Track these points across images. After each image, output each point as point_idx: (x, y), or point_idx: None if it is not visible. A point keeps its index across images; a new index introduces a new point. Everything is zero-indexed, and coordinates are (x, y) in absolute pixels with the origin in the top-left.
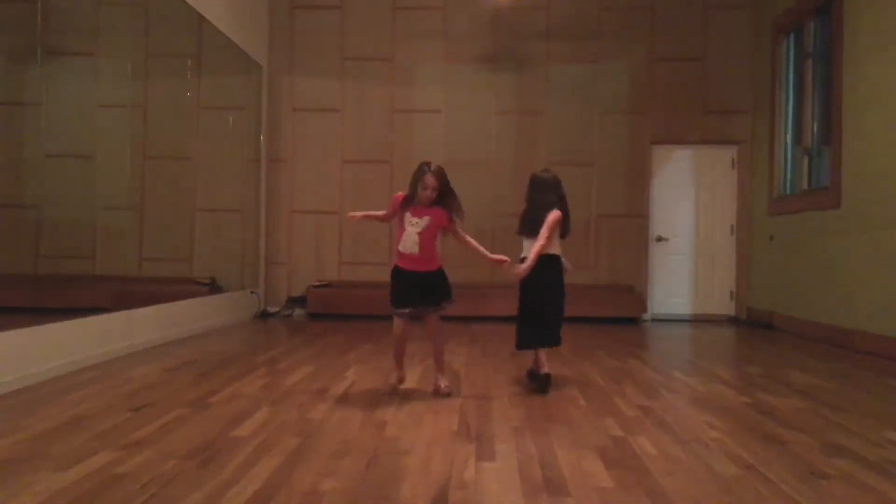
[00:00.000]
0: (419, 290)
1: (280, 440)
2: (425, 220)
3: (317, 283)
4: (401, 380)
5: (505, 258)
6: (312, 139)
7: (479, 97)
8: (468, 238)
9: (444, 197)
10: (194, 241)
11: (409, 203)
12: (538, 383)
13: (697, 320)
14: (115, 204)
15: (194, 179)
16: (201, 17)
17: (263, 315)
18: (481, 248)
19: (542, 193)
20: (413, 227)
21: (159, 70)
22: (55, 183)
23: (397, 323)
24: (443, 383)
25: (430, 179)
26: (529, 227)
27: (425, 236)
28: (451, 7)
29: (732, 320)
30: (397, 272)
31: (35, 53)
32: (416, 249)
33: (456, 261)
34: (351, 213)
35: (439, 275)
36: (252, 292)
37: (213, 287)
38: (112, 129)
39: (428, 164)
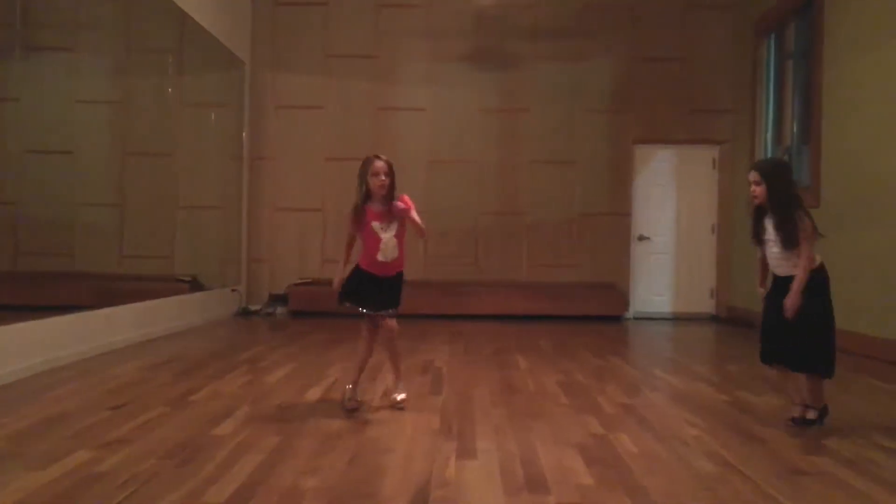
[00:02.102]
0: (376, 291)
1: (261, 439)
2: (394, 223)
3: (299, 281)
4: (353, 398)
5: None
6: (295, 136)
7: (463, 95)
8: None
9: (392, 190)
10: (175, 238)
11: (366, 204)
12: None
13: (679, 318)
14: (95, 200)
15: (176, 176)
16: (183, 13)
17: (245, 313)
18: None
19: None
20: (388, 233)
21: (140, 66)
22: (35, 179)
23: (366, 331)
24: (399, 396)
25: (379, 164)
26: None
27: (400, 237)
28: (436, 5)
29: (713, 319)
30: (362, 273)
31: (14, 49)
32: (396, 253)
33: (438, 259)
34: (335, 289)
35: (399, 277)
36: (234, 290)
37: (195, 284)
38: (92, 126)
39: (375, 155)
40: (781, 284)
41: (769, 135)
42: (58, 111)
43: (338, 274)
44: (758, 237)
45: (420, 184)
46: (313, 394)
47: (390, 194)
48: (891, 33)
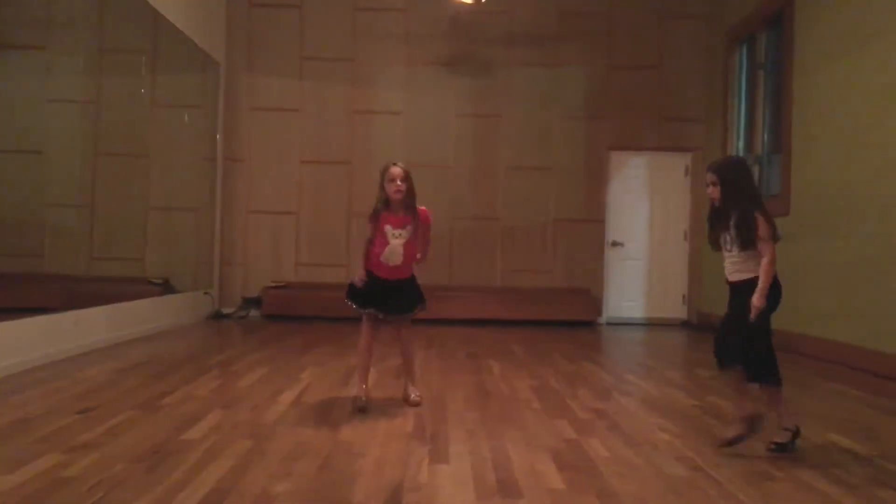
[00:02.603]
0: (390, 294)
1: (232, 443)
2: (408, 229)
3: (273, 285)
4: (366, 397)
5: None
6: (270, 139)
7: (438, 99)
8: (429, 248)
9: (411, 194)
10: (147, 240)
11: (383, 210)
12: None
13: (651, 324)
14: (65, 201)
15: (148, 177)
16: (157, 13)
17: (217, 316)
18: (426, 256)
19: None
20: (397, 238)
21: (113, 66)
22: (3, 179)
23: (365, 327)
24: (413, 393)
25: (396, 170)
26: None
27: (409, 246)
28: (412, 9)
29: (684, 324)
30: (368, 275)
31: None
32: (399, 261)
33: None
34: (358, 279)
35: (412, 280)
36: (206, 293)
37: (167, 287)
38: (63, 125)
39: (392, 161)
40: (734, 291)
41: (741, 143)
42: (28, 110)
43: (360, 271)
44: (715, 240)
45: None
46: (286, 398)
47: (409, 200)
48: (860, 43)
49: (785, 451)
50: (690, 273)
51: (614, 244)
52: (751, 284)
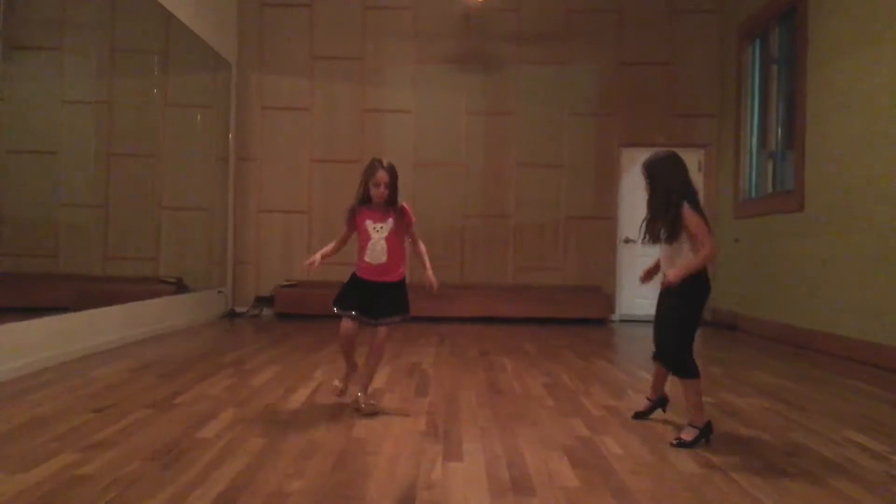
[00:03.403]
0: (373, 298)
1: (245, 441)
2: (389, 222)
3: (285, 283)
4: (349, 374)
5: (434, 282)
6: (281, 138)
7: (449, 98)
8: (422, 245)
9: (394, 197)
10: (160, 239)
11: (362, 206)
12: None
13: None
14: (78, 201)
15: (161, 177)
16: (169, 14)
17: (231, 315)
18: (427, 261)
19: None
20: (378, 232)
21: (126, 66)
22: (17, 179)
23: (344, 323)
24: (364, 402)
25: (382, 175)
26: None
27: (392, 241)
28: (422, 8)
29: None
30: (355, 278)
31: None
32: (383, 258)
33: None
34: (308, 262)
35: (400, 286)
36: (219, 292)
37: (180, 286)
38: (76, 126)
39: (380, 160)
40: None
41: (754, 139)
42: (42, 111)
43: (315, 254)
44: (651, 233)
45: (406, 186)
46: (299, 396)
47: (390, 200)
48: (874, 37)
49: (687, 447)
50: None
51: (627, 241)
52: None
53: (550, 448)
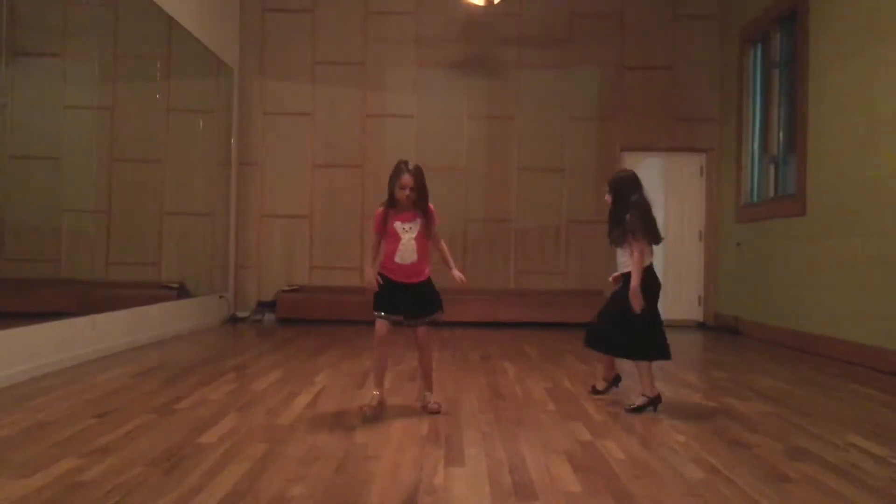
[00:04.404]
0: (410, 298)
1: (247, 446)
2: (417, 223)
3: (287, 288)
4: (379, 403)
5: (462, 277)
6: (283, 143)
7: (450, 102)
8: (443, 244)
9: (421, 198)
10: (162, 244)
11: (391, 209)
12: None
13: (665, 325)
14: (81, 206)
15: (163, 182)
16: (171, 19)
17: (233, 320)
18: (450, 259)
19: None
20: (408, 233)
21: (128, 72)
22: (20, 185)
23: (381, 329)
24: (432, 400)
25: (406, 178)
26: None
27: (420, 241)
28: (424, 12)
29: (700, 325)
30: (382, 278)
31: (0, 53)
32: (414, 257)
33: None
34: (373, 284)
35: (429, 284)
36: (221, 297)
37: (182, 291)
38: (79, 131)
39: (405, 162)
40: (625, 280)
41: (755, 143)
42: (44, 117)
43: (369, 275)
44: (612, 238)
45: None
46: (301, 401)
47: (419, 203)
48: (875, 41)
49: (639, 412)
50: (706, 274)
51: None
52: (629, 276)
53: (552, 452)
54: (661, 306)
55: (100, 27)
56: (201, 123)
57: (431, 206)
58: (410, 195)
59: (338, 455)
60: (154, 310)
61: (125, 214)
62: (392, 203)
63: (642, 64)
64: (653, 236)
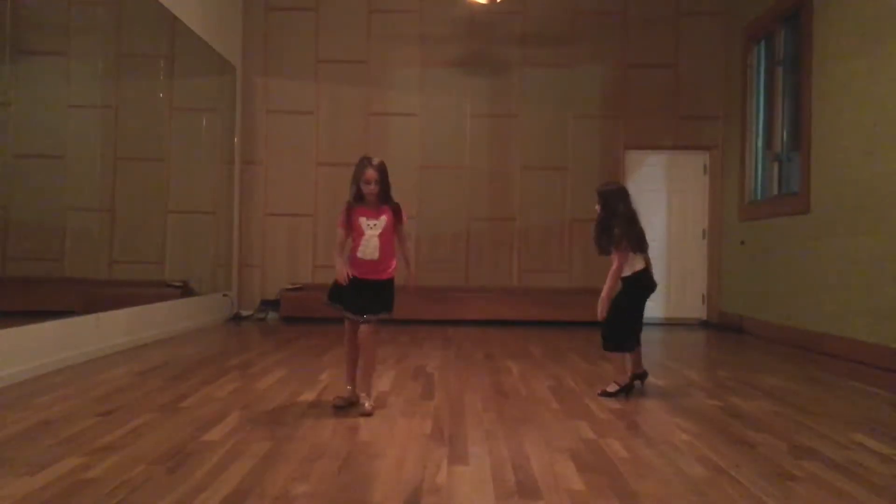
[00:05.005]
0: (362, 293)
1: (251, 444)
2: (382, 220)
3: (290, 287)
4: (350, 396)
5: (415, 282)
6: (286, 141)
7: (453, 101)
8: (409, 245)
9: (384, 192)
10: (166, 243)
11: (356, 204)
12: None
13: (669, 324)
14: (85, 205)
15: (166, 181)
16: (174, 18)
17: (236, 318)
18: (412, 260)
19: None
20: (372, 230)
21: (131, 70)
22: (24, 184)
23: (347, 325)
24: (367, 403)
25: (371, 173)
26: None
27: (385, 239)
28: (427, 10)
29: (704, 324)
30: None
31: (4, 52)
32: (376, 255)
33: (429, 265)
34: (343, 277)
35: (388, 284)
36: (225, 295)
37: (186, 290)
38: (82, 130)
39: (368, 158)
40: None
41: (759, 141)
42: (48, 115)
43: (339, 267)
44: (600, 246)
45: (411, 189)
46: (304, 399)
47: (383, 195)
48: (879, 38)
49: (608, 396)
50: (710, 272)
51: None
52: (624, 280)
53: (556, 451)
54: (664, 304)
55: (103, 26)
56: (205, 122)
57: (398, 203)
58: (375, 188)
59: (341, 453)
60: (158, 308)
61: (129, 213)
62: (358, 198)
63: (646, 62)
64: (638, 245)
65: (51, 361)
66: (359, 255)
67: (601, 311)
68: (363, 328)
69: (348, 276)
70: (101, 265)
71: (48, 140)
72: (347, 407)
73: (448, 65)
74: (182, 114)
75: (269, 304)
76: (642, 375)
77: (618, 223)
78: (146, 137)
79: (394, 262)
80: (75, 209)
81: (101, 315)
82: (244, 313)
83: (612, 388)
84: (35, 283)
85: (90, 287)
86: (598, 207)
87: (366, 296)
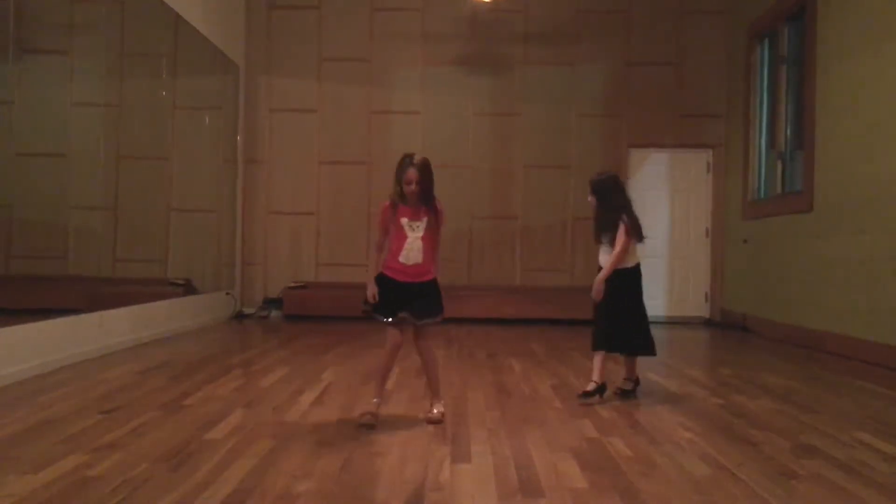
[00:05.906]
0: (413, 297)
1: (254, 443)
2: (424, 221)
3: (293, 285)
4: (377, 410)
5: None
6: (289, 140)
7: (456, 99)
8: (439, 247)
9: (427, 192)
10: (169, 241)
11: (398, 205)
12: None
13: (672, 322)
14: (88, 204)
15: (169, 179)
16: (178, 16)
17: (239, 316)
18: (437, 264)
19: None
20: (415, 232)
21: (134, 69)
22: (27, 182)
23: (395, 337)
24: (436, 408)
25: (412, 173)
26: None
27: (427, 241)
28: (430, 9)
29: (707, 322)
30: (385, 280)
31: (7, 51)
32: (420, 258)
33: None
34: (372, 295)
35: (434, 285)
36: (227, 293)
37: (188, 288)
38: (86, 129)
39: (410, 156)
40: (612, 279)
41: (763, 139)
42: (51, 114)
43: (369, 282)
44: (596, 236)
45: None
46: (307, 397)
47: (425, 197)
48: (883, 37)
49: (586, 396)
50: (713, 271)
51: None
52: (620, 272)
53: (559, 449)
54: (667, 303)
55: (107, 24)
56: (207, 120)
57: (441, 205)
58: (416, 189)
59: (344, 451)
60: (161, 306)
61: (132, 211)
62: (400, 197)
63: (649, 60)
64: (639, 236)
65: (54, 359)
66: (402, 259)
67: (597, 291)
68: (425, 332)
69: (375, 296)
70: (105, 263)
71: (51, 138)
72: (377, 424)
73: (450, 63)
74: (185, 112)
75: (272, 303)
76: (635, 383)
77: (624, 211)
78: (149, 136)
79: (435, 264)
80: (78, 207)
81: (105, 313)
82: (247, 311)
83: (589, 387)
84: (39, 281)
85: (93, 285)
86: (590, 199)
87: (414, 301)
